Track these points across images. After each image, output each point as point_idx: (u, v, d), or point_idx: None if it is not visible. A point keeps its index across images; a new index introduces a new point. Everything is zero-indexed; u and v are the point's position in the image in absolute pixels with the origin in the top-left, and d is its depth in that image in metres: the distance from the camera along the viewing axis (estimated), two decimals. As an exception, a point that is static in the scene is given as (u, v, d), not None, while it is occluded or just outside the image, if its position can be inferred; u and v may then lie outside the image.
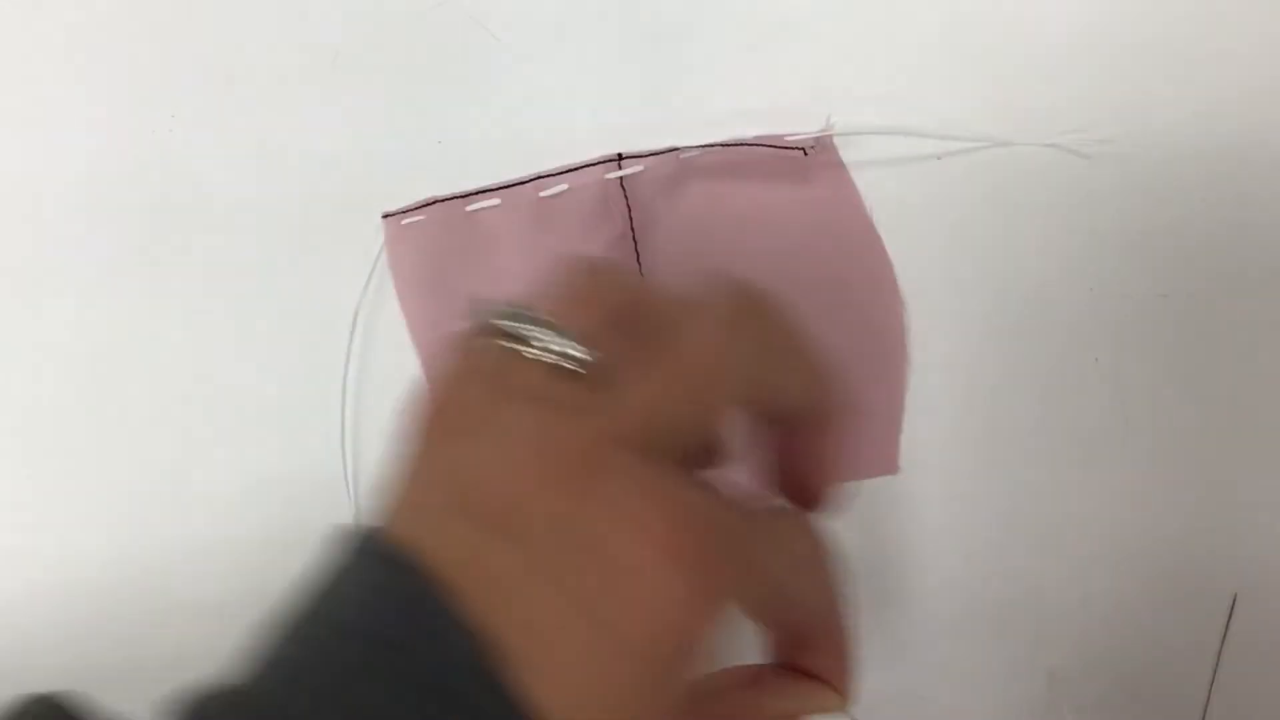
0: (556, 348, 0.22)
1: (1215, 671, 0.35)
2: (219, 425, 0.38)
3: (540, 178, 0.37)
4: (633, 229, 0.37)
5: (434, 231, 0.37)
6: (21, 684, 0.38)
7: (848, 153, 0.37)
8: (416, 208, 0.37)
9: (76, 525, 0.38)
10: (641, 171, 0.37)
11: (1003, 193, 0.36)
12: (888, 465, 0.36)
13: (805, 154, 0.36)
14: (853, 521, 0.36)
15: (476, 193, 0.37)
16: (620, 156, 0.37)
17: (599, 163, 0.37)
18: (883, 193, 0.37)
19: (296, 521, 0.37)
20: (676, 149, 0.37)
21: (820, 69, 0.37)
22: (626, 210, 0.37)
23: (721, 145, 0.37)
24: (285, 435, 0.37)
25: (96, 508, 0.38)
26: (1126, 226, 0.36)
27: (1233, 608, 0.35)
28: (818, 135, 0.36)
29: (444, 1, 0.38)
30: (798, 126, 0.37)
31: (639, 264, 0.37)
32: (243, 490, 0.37)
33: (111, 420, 0.38)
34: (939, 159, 0.37)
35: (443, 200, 0.37)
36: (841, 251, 0.37)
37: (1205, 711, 0.35)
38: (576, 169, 0.37)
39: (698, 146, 0.37)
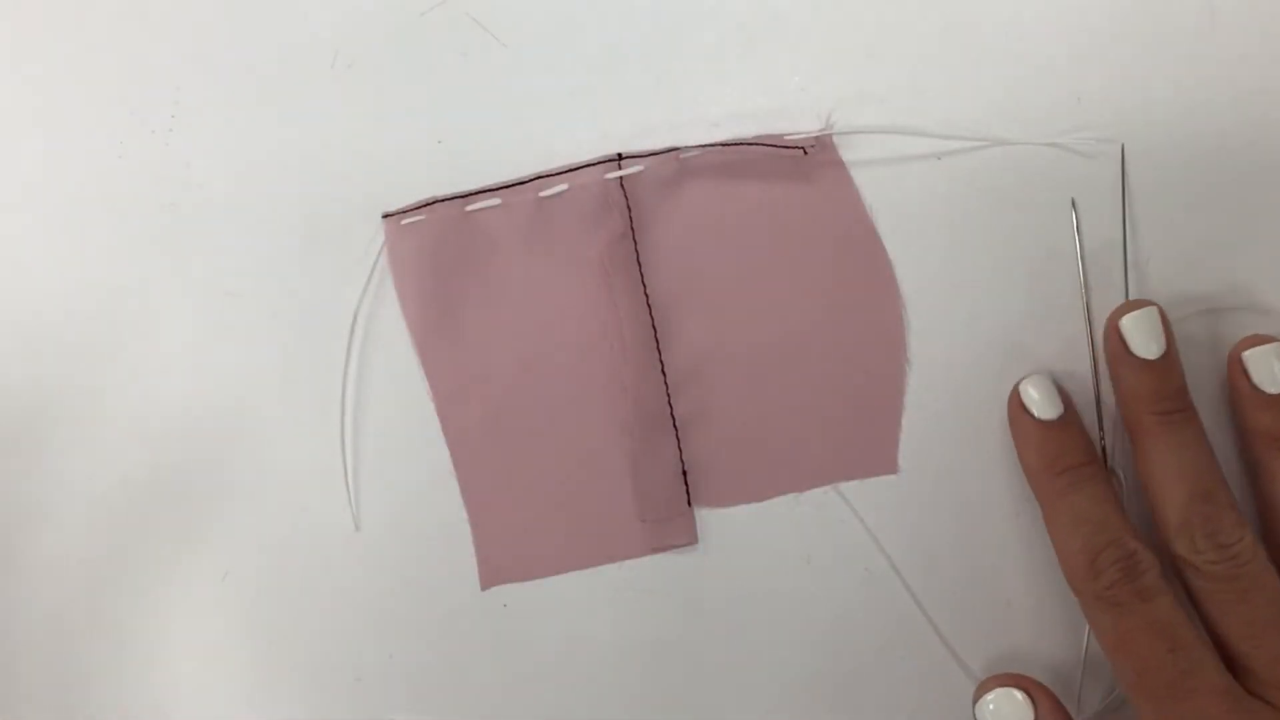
0: None
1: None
2: (219, 425, 0.38)
3: (540, 178, 0.37)
4: (633, 229, 0.37)
5: (434, 231, 0.37)
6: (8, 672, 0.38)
7: (848, 152, 0.37)
8: (416, 208, 0.37)
9: (77, 525, 0.38)
10: (641, 171, 0.37)
11: (1003, 193, 0.36)
12: (888, 465, 0.36)
13: (805, 154, 0.36)
14: (853, 521, 0.36)
15: (476, 193, 0.37)
16: (620, 156, 0.37)
17: (599, 163, 0.37)
18: (883, 193, 0.37)
19: (296, 522, 0.37)
20: (676, 149, 0.37)
21: (820, 69, 0.37)
22: (626, 210, 0.37)
23: (721, 145, 0.37)
24: (285, 435, 0.37)
25: (95, 507, 0.38)
26: (1127, 226, 0.36)
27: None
28: (818, 135, 0.37)
29: (444, 1, 0.38)
30: (798, 126, 0.37)
31: (639, 264, 0.37)
32: (242, 490, 0.37)
33: (109, 420, 0.38)
34: (939, 159, 0.37)
35: (443, 200, 0.37)
36: (841, 251, 0.37)
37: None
38: (576, 169, 0.37)
39: (698, 146, 0.37)
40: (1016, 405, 0.34)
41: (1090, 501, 0.33)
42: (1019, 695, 0.33)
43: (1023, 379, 0.34)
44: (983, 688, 0.34)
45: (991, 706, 0.33)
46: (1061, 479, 0.33)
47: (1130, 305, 0.34)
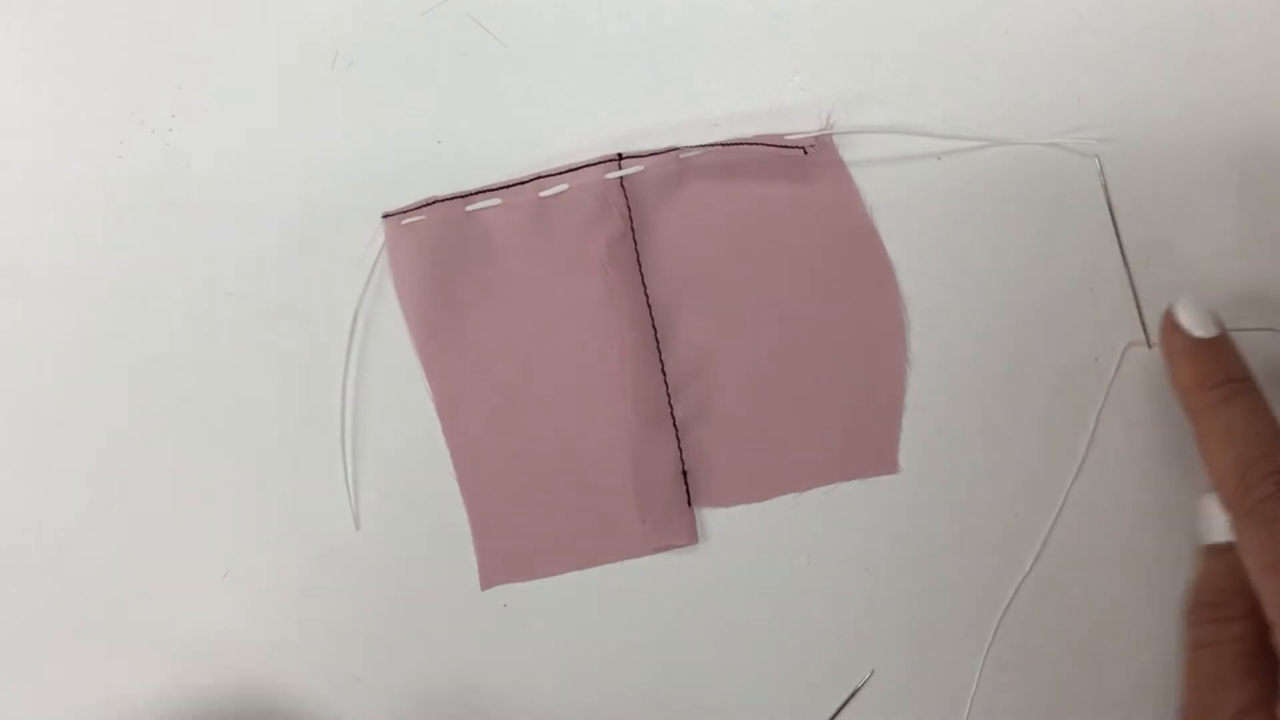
0: None
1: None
2: (219, 425, 0.38)
3: (540, 178, 0.37)
4: (633, 229, 0.37)
5: (434, 231, 0.37)
6: (18, 685, 0.38)
7: (848, 152, 0.37)
8: (416, 208, 0.37)
9: (77, 525, 0.38)
10: (641, 171, 0.37)
11: (1003, 192, 0.36)
12: (888, 465, 0.36)
13: (805, 153, 0.36)
14: (853, 521, 0.36)
15: (476, 193, 0.37)
16: (620, 156, 0.37)
17: (599, 162, 0.37)
18: (883, 192, 0.37)
19: (296, 522, 0.37)
20: (676, 149, 0.37)
21: (820, 69, 0.37)
22: (626, 210, 0.37)
23: (721, 145, 0.37)
24: (285, 435, 0.37)
25: (95, 506, 0.38)
26: (1126, 226, 0.36)
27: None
28: (818, 135, 0.37)
29: (444, 1, 0.38)
30: (798, 126, 0.37)
31: (639, 264, 0.37)
32: (242, 490, 0.37)
33: (110, 420, 0.38)
34: (939, 158, 0.37)
35: (443, 200, 0.37)
36: (841, 251, 0.37)
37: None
38: (576, 169, 0.37)
39: (698, 146, 0.37)
40: (1170, 325, 0.34)
41: (1244, 414, 0.32)
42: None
43: (1178, 300, 0.34)
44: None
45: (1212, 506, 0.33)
46: (1214, 393, 0.33)
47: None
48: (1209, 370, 0.33)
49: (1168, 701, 0.33)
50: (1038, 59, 0.37)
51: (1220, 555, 0.33)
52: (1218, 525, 0.33)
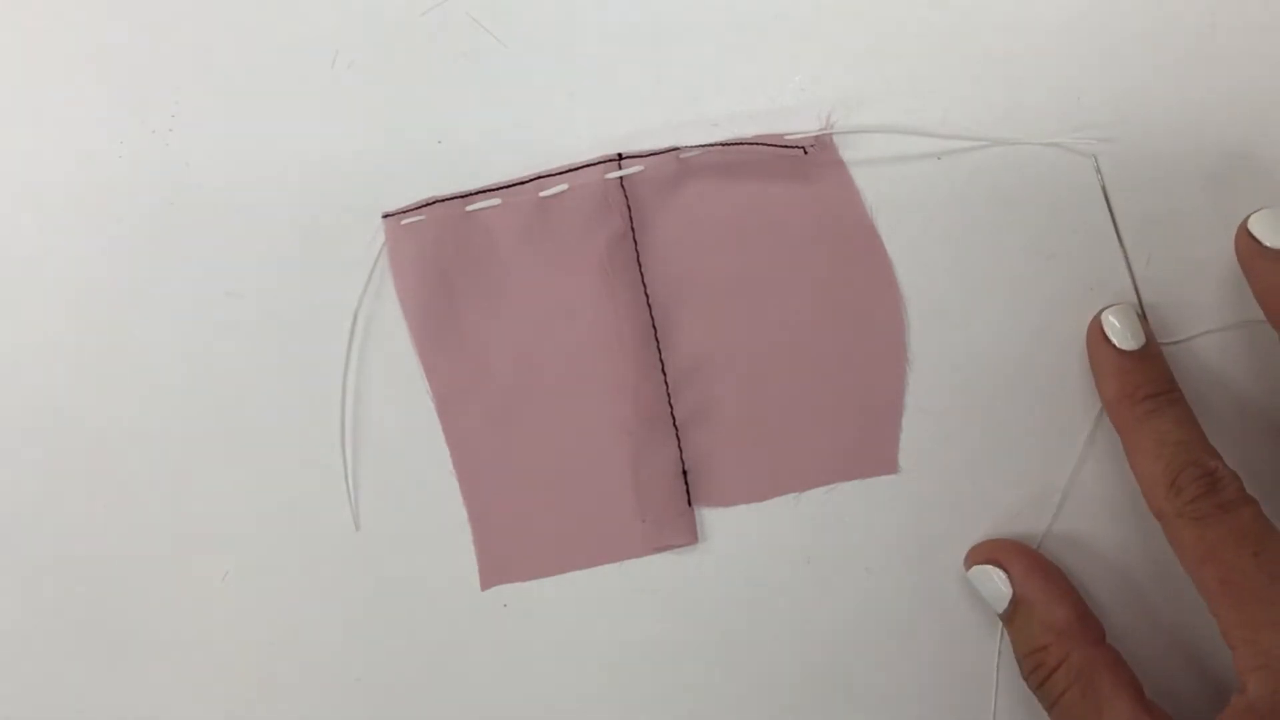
0: None
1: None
2: (218, 425, 0.38)
3: (540, 178, 0.37)
4: (633, 229, 0.37)
5: (434, 231, 0.37)
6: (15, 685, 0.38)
7: (848, 151, 0.37)
8: (416, 208, 0.37)
9: (76, 526, 0.38)
10: (641, 171, 0.37)
11: (1003, 192, 0.36)
12: (888, 465, 0.36)
13: (805, 153, 0.36)
14: (853, 521, 0.36)
15: (476, 193, 0.37)
16: (620, 156, 0.37)
17: (599, 162, 0.37)
18: (883, 192, 0.37)
19: (296, 522, 0.37)
20: (676, 149, 0.37)
21: (820, 69, 0.37)
22: (626, 210, 0.37)
23: (721, 145, 0.37)
24: (285, 436, 0.37)
25: (95, 507, 0.38)
26: (1126, 226, 0.36)
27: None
28: (818, 135, 0.37)
29: (444, 1, 0.38)
30: (797, 126, 0.37)
31: (639, 264, 0.37)
32: (242, 491, 0.37)
33: (110, 420, 0.38)
34: (939, 158, 0.37)
35: (443, 200, 0.37)
36: (841, 251, 0.37)
37: None
38: (576, 169, 0.37)
39: (698, 146, 0.37)
40: (1097, 335, 0.34)
41: (1172, 425, 0.33)
42: (997, 574, 0.34)
43: (1105, 309, 0.35)
44: (971, 556, 0.35)
45: (977, 583, 0.35)
46: (1142, 406, 0.33)
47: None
48: (1137, 384, 0.33)
49: (1170, 699, 0.33)
50: (1038, 59, 0.37)
51: (1015, 619, 0.34)
52: (1000, 591, 0.34)
